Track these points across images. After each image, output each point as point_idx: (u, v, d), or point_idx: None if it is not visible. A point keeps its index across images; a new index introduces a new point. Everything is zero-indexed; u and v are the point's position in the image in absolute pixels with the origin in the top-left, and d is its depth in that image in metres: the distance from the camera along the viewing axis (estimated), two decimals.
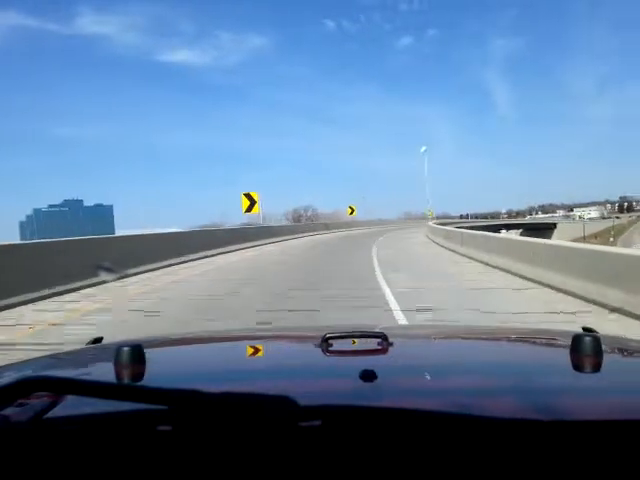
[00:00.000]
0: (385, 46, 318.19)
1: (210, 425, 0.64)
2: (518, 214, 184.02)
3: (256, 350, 1.43)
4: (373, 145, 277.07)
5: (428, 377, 1.02)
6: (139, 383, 0.92)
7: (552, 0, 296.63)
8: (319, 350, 1.11)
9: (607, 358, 1.02)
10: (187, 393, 0.66)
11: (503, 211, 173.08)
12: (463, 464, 0.62)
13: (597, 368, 0.99)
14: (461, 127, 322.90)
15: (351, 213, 38.74)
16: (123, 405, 0.66)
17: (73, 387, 0.68)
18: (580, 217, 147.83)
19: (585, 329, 1.28)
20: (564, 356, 1.06)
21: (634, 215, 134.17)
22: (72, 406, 0.76)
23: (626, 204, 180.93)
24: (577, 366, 1.00)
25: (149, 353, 1.02)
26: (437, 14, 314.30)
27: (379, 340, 1.11)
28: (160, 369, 1.11)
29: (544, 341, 1.44)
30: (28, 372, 1.05)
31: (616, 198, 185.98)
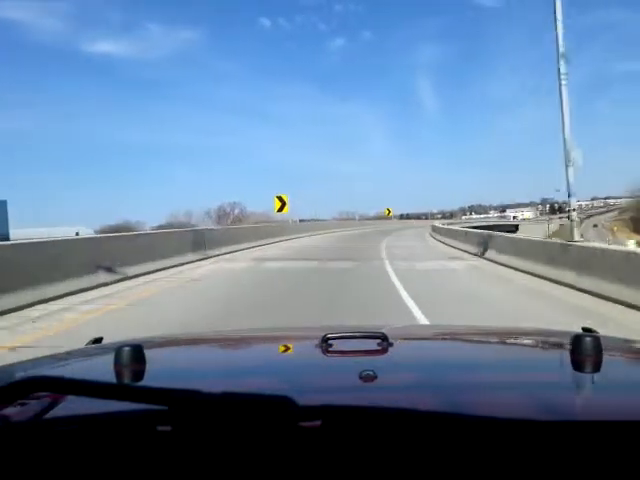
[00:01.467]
0: (320, 46, 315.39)
1: (210, 425, 0.64)
2: (452, 215, 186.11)
3: (256, 350, 1.45)
4: (308, 144, 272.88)
5: (428, 377, 1.03)
6: (139, 383, 0.92)
7: (477, 11, 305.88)
8: (319, 350, 1.11)
9: (607, 358, 1.02)
10: (187, 393, 0.66)
11: (435, 211, 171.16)
12: (463, 464, 0.62)
13: (597, 368, 1.00)
14: (393, 129, 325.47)
15: (280, 209, 24.00)
16: (123, 405, 0.65)
17: (73, 387, 0.68)
18: (514, 217, 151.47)
19: (585, 329, 1.29)
20: (564, 356, 1.07)
21: (563, 216, 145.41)
22: (72, 406, 0.76)
23: (557, 205, 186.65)
24: (577, 366, 1.01)
25: (149, 353, 1.02)
26: (371, 17, 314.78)
27: (379, 340, 1.11)
28: (160, 369, 1.11)
29: (544, 341, 1.45)
30: (28, 372, 1.05)
31: (538, 200, 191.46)
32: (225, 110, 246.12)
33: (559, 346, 1.30)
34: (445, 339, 1.58)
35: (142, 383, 0.93)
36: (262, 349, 1.47)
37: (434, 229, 31.27)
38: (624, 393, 0.88)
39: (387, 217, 70.26)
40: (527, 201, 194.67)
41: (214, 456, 0.64)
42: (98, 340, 1.42)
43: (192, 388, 0.66)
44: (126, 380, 0.93)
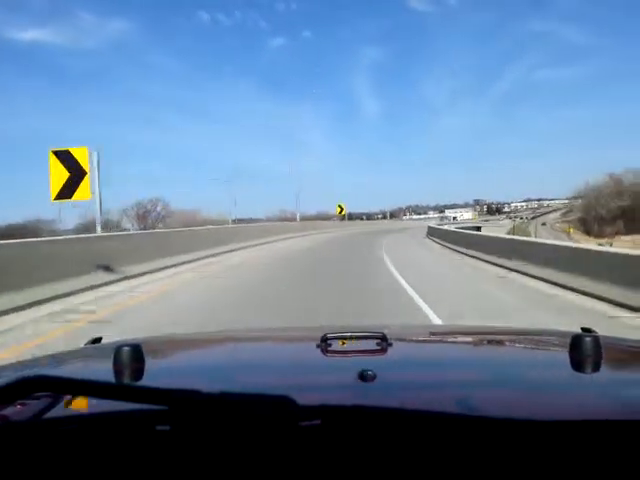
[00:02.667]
0: (260, 44, 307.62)
1: (210, 425, 0.64)
2: (392, 215, 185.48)
3: (256, 350, 1.44)
4: (249, 142, 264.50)
5: (427, 377, 1.03)
6: (138, 383, 0.92)
7: (417, 14, 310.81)
8: (319, 350, 1.11)
9: (606, 358, 1.02)
10: (187, 393, 0.66)
11: (376, 211, 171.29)
12: (463, 463, 0.62)
13: (596, 368, 1.00)
14: (334, 129, 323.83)
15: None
16: (122, 405, 0.65)
17: (73, 387, 0.68)
18: (454, 218, 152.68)
19: (584, 329, 1.28)
20: (563, 356, 1.07)
21: (501, 217, 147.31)
22: (72, 406, 0.76)
23: (494, 206, 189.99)
24: (576, 366, 1.00)
25: (148, 353, 1.03)
26: (312, 16, 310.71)
27: (378, 340, 1.11)
28: (160, 369, 1.12)
29: (543, 341, 1.45)
30: (28, 372, 1.03)
31: (471, 201, 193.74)
32: (160, 105, 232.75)
33: (559, 346, 1.29)
34: (445, 339, 1.57)
35: (141, 383, 0.92)
36: (262, 349, 1.46)
37: (431, 232, 27.41)
38: (624, 393, 0.88)
39: (338, 216, 52.94)
40: (462, 202, 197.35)
41: (214, 456, 0.64)
42: (98, 340, 1.42)
43: (192, 388, 0.66)
44: (125, 380, 0.92)
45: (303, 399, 0.67)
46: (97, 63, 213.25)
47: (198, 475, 0.63)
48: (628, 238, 54.94)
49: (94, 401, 0.68)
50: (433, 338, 1.59)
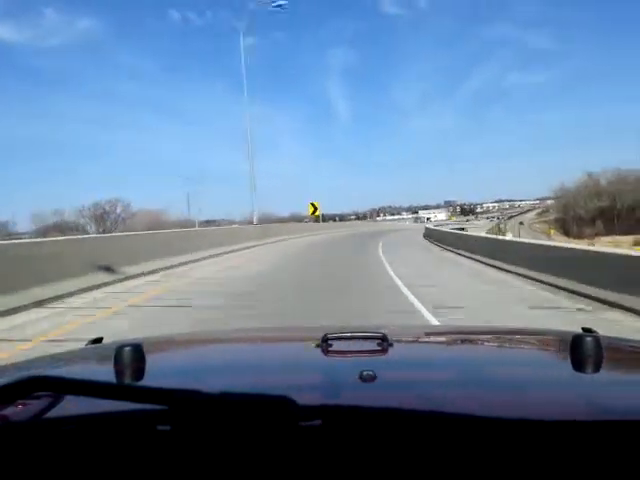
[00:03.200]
0: (232, 44, 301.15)
1: (210, 425, 0.64)
2: (365, 216, 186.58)
3: (256, 350, 1.43)
4: (220, 143, 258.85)
5: (428, 377, 1.03)
6: (139, 383, 0.91)
7: (388, 18, 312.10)
8: (319, 350, 1.11)
9: (607, 358, 1.02)
10: (187, 393, 0.66)
11: (349, 212, 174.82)
12: (463, 464, 0.62)
13: (597, 368, 1.00)
14: (306, 131, 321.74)
15: None
16: (123, 405, 0.65)
17: (73, 387, 0.68)
18: (428, 219, 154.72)
19: (585, 329, 1.27)
20: (564, 356, 1.07)
21: (472, 217, 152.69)
22: (72, 406, 0.76)
23: (467, 207, 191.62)
24: (577, 366, 1.00)
25: (149, 353, 1.02)
26: (284, 17, 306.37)
27: (379, 340, 1.10)
28: (160, 369, 1.11)
29: (544, 341, 1.43)
30: (28, 372, 1.03)
31: (442, 202, 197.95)
32: (129, 105, 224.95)
33: (559, 346, 1.29)
34: (445, 339, 1.55)
35: (142, 383, 0.92)
36: (262, 349, 1.46)
37: (437, 238, 22.71)
38: (624, 393, 0.88)
39: (312, 217, 41.68)
40: (434, 203, 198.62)
41: (214, 456, 0.64)
42: (98, 340, 1.41)
43: (192, 388, 0.66)
44: (126, 380, 0.91)
45: (303, 399, 0.67)
46: (62, 62, 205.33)
47: (199, 475, 0.63)
48: (608, 239, 53.59)
49: (94, 401, 0.67)
50: (433, 338, 1.58)
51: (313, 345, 1.14)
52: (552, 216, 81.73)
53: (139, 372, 0.94)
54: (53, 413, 0.74)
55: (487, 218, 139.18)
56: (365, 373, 0.86)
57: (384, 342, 1.09)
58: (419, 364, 1.15)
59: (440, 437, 0.64)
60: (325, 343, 1.11)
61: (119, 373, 0.92)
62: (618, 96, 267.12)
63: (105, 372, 1.02)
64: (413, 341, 1.49)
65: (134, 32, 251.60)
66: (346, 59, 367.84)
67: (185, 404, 0.64)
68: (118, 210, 49.21)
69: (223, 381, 1.02)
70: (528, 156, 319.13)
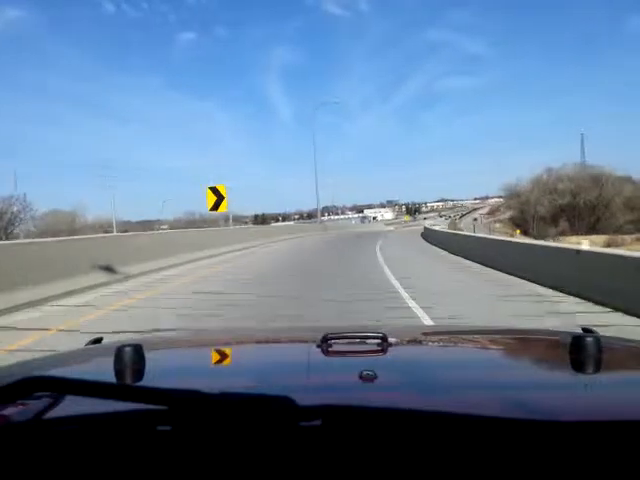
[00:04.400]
0: (169, 38, 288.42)
1: (210, 425, 0.64)
2: (309, 216, 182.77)
3: (256, 350, 1.43)
4: (155, 140, 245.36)
5: (428, 377, 1.03)
6: (139, 383, 0.91)
7: (330, 18, 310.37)
8: (319, 350, 1.10)
9: (607, 358, 1.02)
10: (187, 393, 0.66)
11: (292, 211, 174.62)
12: (463, 463, 0.62)
13: (597, 368, 0.99)
14: (247, 129, 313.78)
15: None
16: (123, 405, 0.65)
17: (73, 387, 0.68)
18: (374, 218, 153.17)
19: (585, 329, 1.27)
20: (564, 356, 1.06)
21: (420, 217, 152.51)
22: (72, 406, 0.75)
23: (412, 207, 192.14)
24: (577, 366, 1.00)
25: (149, 353, 1.02)
26: (225, 13, 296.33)
27: (379, 340, 1.10)
28: (160, 369, 1.11)
29: (544, 341, 1.44)
30: (28, 372, 1.02)
31: (384, 201, 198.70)
32: (57, 100, 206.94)
33: (559, 346, 1.29)
34: (445, 339, 1.55)
35: (142, 383, 0.92)
36: (262, 349, 1.46)
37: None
38: (624, 393, 0.88)
39: (221, 215, 24.38)
40: (377, 202, 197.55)
41: (214, 456, 0.64)
42: (98, 340, 1.41)
43: (192, 388, 0.66)
44: (126, 380, 0.91)
45: (303, 399, 0.67)
46: None
47: (199, 475, 0.63)
48: (573, 240, 50.10)
49: (94, 401, 0.66)
50: (433, 338, 1.57)
51: (313, 345, 1.14)
52: (506, 214, 78.96)
53: (139, 372, 0.93)
54: (53, 413, 0.73)
55: (441, 216, 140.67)
56: (365, 373, 0.86)
57: (384, 342, 1.09)
58: (419, 364, 1.15)
59: (440, 437, 0.64)
60: (325, 343, 1.10)
61: (119, 373, 0.91)
62: (553, 99, 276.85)
63: (105, 372, 1.02)
64: (413, 341, 1.49)
65: (66, 23, 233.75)
66: (288, 58, 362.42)
67: (185, 404, 0.64)
68: (15, 209, 40.08)
69: (223, 381, 1.02)
70: (467, 156, 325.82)
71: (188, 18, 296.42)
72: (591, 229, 55.14)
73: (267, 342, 1.55)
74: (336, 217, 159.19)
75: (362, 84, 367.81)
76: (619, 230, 52.62)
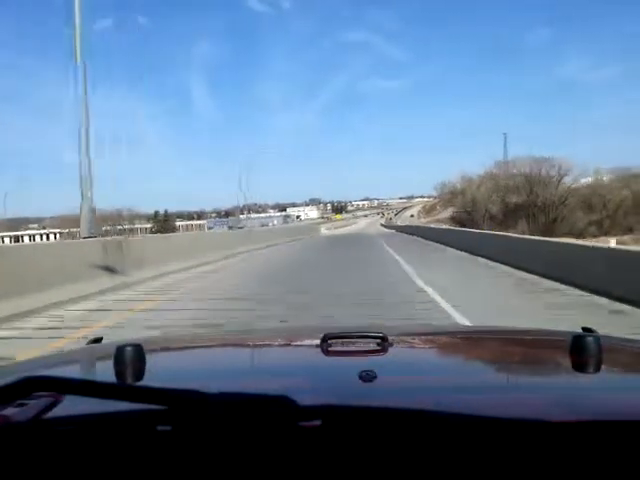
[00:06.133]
0: (83, 24, 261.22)
1: (210, 425, 0.64)
2: (227, 214, 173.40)
3: (256, 350, 1.42)
4: (64, 137, 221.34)
5: (428, 377, 1.02)
6: (139, 383, 0.91)
7: (253, 14, 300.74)
8: (319, 350, 1.10)
9: (607, 358, 1.02)
10: (187, 393, 0.66)
11: (210, 210, 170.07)
12: (463, 464, 0.63)
13: (597, 368, 0.99)
14: (168, 125, 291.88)
15: None
16: (123, 405, 0.65)
17: (73, 387, 0.68)
18: (298, 217, 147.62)
19: (585, 329, 1.26)
20: (564, 356, 1.06)
21: (347, 215, 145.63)
22: (72, 406, 0.75)
23: (338, 205, 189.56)
24: (577, 366, 1.00)
25: (149, 353, 1.02)
26: (146, 4, 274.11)
27: (379, 340, 1.10)
28: (160, 369, 1.11)
29: (544, 341, 1.44)
30: (28, 372, 1.01)
31: (308, 199, 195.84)
32: None
33: (559, 346, 1.28)
34: (445, 339, 1.55)
35: (142, 383, 0.91)
36: (262, 349, 1.45)
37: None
38: (624, 393, 0.88)
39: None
40: (300, 201, 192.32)
41: (214, 456, 0.64)
42: (98, 340, 1.41)
43: (192, 388, 0.66)
44: (126, 380, 0.91)
45: (303, 399, 0.66)
46: None
47: (199, 475, 0.64)
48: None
49: (94, 401, 0.66)
50: (433, 338, 1.57)
51: (313, 345, 1.14)
52: (445, 214, 72.06)
53: (139, 372, 0.93)
54: (53, 413, 0.73)
55: (378, 214, 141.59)
56: (365, 373, 0.86)
57: (384, 342, 1.08)
58: (419, 364, 1.16)
59: (440, 437, 0.64)
60: (325, 343, 1.10)
61: (119, 373, 0.91)
62: (473, 101, 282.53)
63: (105, 372, 1.01)
64: (413, 341, 1.48)
65: None
66: (210, 53, 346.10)
67: (185, 404, 0.64)
68: None
69: (223, 381, 1.01)
70: (391, 156, 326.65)
71: (103, 3, 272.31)
72: (550, 229, 47.58)
73: (267, 342, 1.54)
74: (256, 215, 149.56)
75: (284, 81, 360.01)
76: (583, 232, 45.57)
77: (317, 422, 0.63)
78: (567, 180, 50.68)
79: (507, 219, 50.60)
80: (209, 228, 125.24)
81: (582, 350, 0.96)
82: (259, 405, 0.64)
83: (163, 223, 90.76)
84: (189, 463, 0.63)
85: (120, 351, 0.92)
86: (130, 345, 0.94)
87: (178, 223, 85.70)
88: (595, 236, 41.57)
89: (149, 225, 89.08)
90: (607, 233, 43.04)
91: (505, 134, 69.82)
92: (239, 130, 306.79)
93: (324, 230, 64.30)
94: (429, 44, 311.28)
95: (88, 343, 1.38)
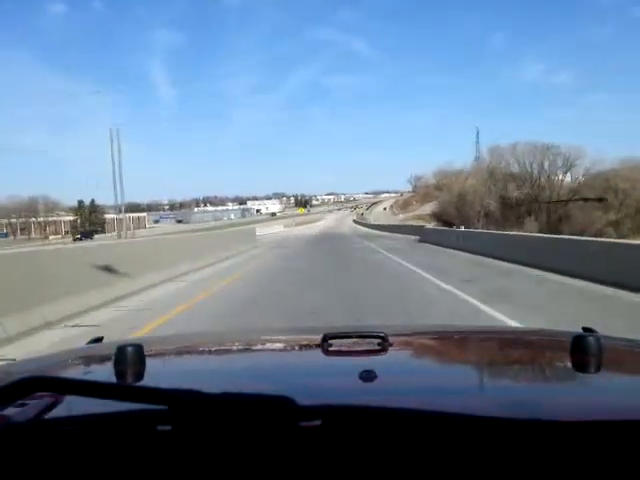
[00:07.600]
0: (37, 8, 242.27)
1: (210, 425, 0.64)
2: (182, 206, 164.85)
3: (256, 350, 1.42)
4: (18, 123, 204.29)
5: (428, 377, 1.02)
6: (139, 383, 0.91)
7: (217, 3, 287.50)
8: (319, 350, 1.10)
9: (607, 358, 1.01)
10: (187, 393, 0.66)
11: (165, 202, 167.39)
12: (463, 464, 0.63)
13: (597, 368, 0.99)
14: (123, 114, 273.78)
15: None
16: (123, 405, 0.65)
17: (73, 387, 0.68)
18: (258, 211, 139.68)
19: (585, 329, 1.26)
20: (564, 356, 1.06)
21: (312, 210, 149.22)
22: (72, 406, 0.75)
23: (302, 199, 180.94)
24: (577, 366, 1.00)
25: (149, 353, 1.01)
26: None
27: (379, 340, 1.10)
28: (160, 369, 1.10)
29: (544, 341, 1.43)
30: (28, 372, 1.02)
31: (270, 193, 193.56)
32: None
33: (559, 346, 1.28)
34: (445, 339, 1.54)
35: (142, 383, 0.91)
36: (262, 349, 1.45)
37: None
38: (624, 393, 0.88)
39: None
40: (262, 194, 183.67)
41: (214, 456, 0.64)
42: (98, 340, 1.40)
43: (192, 388, 0.66)
44: (126, 380, 0.91)
45: (303, 399, 0.66)
46: None
47: (199, 475, 0.64)
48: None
49: (94, 401, 0.66)
50: (433, 338, 1.56)
51: (313, 345, 1.13)
52: (424, 209, 63.58)
53: (139, 372, 0.93)
54: (53, 413, 0.73)
55: (348, 208, 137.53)
56: (365, 373, 0.86)
57: (384, 342, 1.08)
58: (419, 364, 1.15)
59: (440, 437, 0.64)
60: (325, 343, 1.09)
61: (119, 373, 0.91)
62: (440, 98, 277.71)
63: (105, 372, 1.01)
64: (413, 341, 1.48)
65: None
66: (172, 42, 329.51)
67: (185, 404, 0.64)
68: None
69: (223, 381, 1.01)
70: (357, 151, 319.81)
71: None
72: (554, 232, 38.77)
73: (267, 342, 1.54)
74: (212, 209, 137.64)
75: (248, 73, 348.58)
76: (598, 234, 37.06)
77: (317, 422, 0.63)
78: (575, 172, 42.48)
79: (506, 217, 42.14)
80: (155, 222, 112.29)
81: (583, 350, 0.96)
82: (259, 405, 0.63)
83: (89, 216, 78.53)
84: (189, 463, 0.64)
85: (120, 351, 0.92)
86: (130, 345, 0.94)
87: (108, 216, 73.23)
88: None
89: (70, 217, 77.48)
90: (625, 236, 34.76)
91: (477, 127, 64.99)
92: (200, 122, 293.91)
93: (268, 230, 48.13)
94: (397, 41, 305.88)
95: (88, 343, 1.39)
